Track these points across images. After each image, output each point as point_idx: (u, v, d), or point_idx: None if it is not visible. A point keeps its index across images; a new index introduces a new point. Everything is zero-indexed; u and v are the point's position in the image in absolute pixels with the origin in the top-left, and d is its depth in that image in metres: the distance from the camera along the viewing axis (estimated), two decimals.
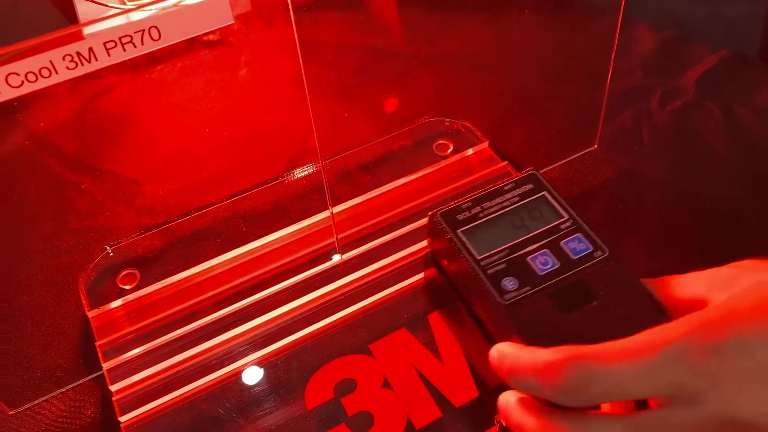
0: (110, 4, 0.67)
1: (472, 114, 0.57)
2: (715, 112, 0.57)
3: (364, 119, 0.57)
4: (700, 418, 0.28)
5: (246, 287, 0.47)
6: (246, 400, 0.43)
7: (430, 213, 0.42)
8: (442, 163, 0.54)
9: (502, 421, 0.35)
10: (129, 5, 0.66)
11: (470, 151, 0.54)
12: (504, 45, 0.58)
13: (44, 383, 0.45)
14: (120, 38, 0.30)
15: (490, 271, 0.38)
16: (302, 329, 0.45)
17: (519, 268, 0.38)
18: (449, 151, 0.55)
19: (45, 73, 0.30)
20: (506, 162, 0.53)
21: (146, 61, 0.63)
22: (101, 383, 0.45)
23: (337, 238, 0.48)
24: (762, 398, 0.28)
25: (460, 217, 0.41)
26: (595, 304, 0.36)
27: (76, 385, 0.45)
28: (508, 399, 0.34)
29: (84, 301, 0.47)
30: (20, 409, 0.44)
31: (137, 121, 0.60)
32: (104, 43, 0.30)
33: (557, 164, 0.54)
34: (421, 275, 0.47)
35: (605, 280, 0.38)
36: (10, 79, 0.30)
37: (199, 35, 0.32)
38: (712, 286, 0.32)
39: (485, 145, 0.55)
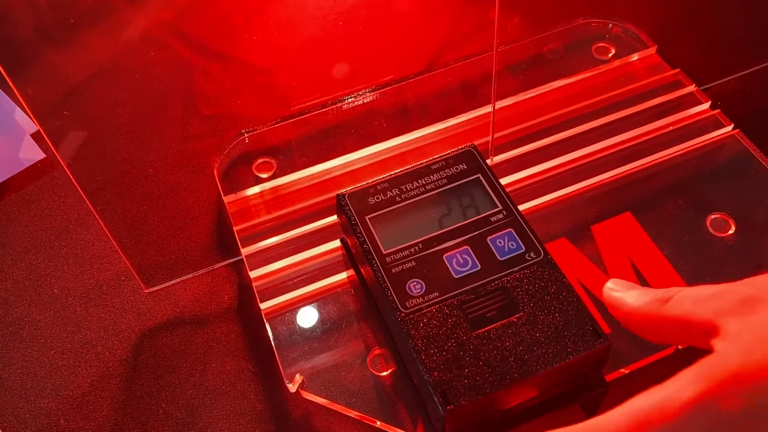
0: None
1: (635, 17, 0.51)
2: None
3: (516, 18, 0.53)
4: None
5: None
6: None
7: (338, 193, 0.36)
8: (603, 68, 0.49)
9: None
10: None
11: (635, 56, 0.49)
12: None
13: (178, 266, 0.43)
14: None
15: (394, 270, 0.32)
16: None
17: (430, 269, 0.32)
18: (610, 55, 0.50)
19: None
20: (678, 69, 0.47)
21: None
22: (237, 269, 0.43)
23: (492, 138, 0.44)
24: None
25: (372, 200, 0.35)
26: (515, 320, 0.30)
27: (212, 270, 0.43)
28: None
29: (219, 186, 0.45)
30: (155, 288, 0.42)
31: (265, 8, 0.57)
32: None
33: (734, 76, 0.48)
34: (563, 191, 0.43)
35: (535, 291, 0.31)
36: None
37: None
38: (723, 310, 0.26)
39: (653, 50, 0.49)
